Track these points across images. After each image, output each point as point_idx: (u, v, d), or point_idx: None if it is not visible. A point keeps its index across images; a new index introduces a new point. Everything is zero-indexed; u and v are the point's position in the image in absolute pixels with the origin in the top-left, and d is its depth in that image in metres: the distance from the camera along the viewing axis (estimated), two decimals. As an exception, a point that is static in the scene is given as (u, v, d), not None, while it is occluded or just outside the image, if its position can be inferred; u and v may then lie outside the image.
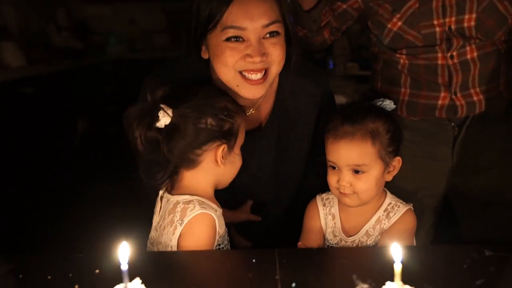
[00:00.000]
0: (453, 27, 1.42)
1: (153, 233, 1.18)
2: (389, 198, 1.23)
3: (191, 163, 1.12)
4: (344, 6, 1.52)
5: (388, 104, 1.22)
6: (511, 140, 1.57)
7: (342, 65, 2.62)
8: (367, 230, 1.20)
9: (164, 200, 1.16)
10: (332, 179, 1.18)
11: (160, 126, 1.08)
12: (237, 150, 1.17)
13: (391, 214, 1.19)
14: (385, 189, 1.24)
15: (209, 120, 1.10)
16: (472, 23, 1.41)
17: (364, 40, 3.21)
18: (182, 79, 1.20)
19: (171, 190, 1.17)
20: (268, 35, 1.15)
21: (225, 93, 1.19)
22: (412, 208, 1.22)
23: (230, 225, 1.42)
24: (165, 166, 1.13)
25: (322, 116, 1.35)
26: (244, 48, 1.14)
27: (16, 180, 2.97)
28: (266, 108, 1.34)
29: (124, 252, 0.76)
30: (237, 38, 1.13)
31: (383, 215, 1.20)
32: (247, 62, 1.14)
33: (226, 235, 1.18)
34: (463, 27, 1.41)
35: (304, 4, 1.42)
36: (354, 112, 1.18)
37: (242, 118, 1.17)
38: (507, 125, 1.57)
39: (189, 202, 1.10)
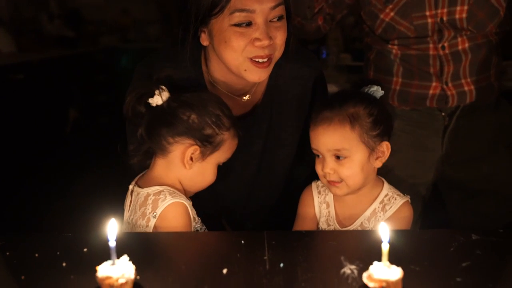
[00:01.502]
0: (444, 18, 1.42)
1: (124, 227, 1.18)
2: (386, 189, 1.20)
3: (161, 149, 1.14)
4: None
5: (376, 90, 1.21)
6: (500, 130, 1.59)
7: (335, 55, 2.62)
8: (361, 222, 1.18)
9: (134, 193, 1.16)
10: (318, 167, 1.17)
11: (151, 103, 1.12)
12: (210, 163, 1.16)
13: (387, 207, 1.17)
14: (383, 179, 1.22)
15: (193, 116, 1.11)
16: (464, 15, 1.41)
17: (357, 33, 3.22)
18: (174, 68, 1.21)
19: (141, 184, 1.17)
20: (274, 18, 1.14)
21: (226, 108, 1.18)
22: (409, 200, 1.20)
23: (221, 217, 1.42)
24: (141, 142, 1.16)
25: (315, 100, 1.35)
26: (252, 31, 1.13)
27: (4, 166, 2.95)
28: (259, 93, 1.34)
29: (112, 228, 0.76)
30: (245, 22, 1.12)
31: (379, 207, 1.18)
32: (256, 46, 1.13)
33: (201, 223, 1.18)
34: (455, 19, 1.42)
35: None
36: (334, 98, 1.18)
37: (232, 137, 1.17)
38: (497, 115, 1.58)
39: (159, 192, 1.11)
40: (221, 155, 1.16)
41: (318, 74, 1.38)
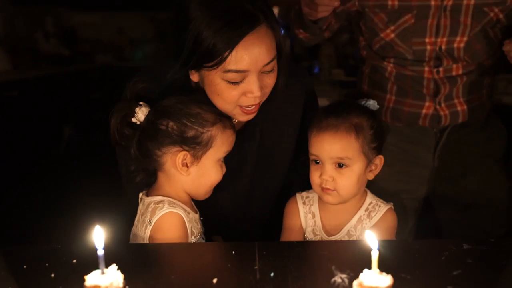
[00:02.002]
0: (443, 47, 1.44)
1: (132, 234, 1.19)
2: (370, 198, 1.23)
3: (155, 163, 1.14)
4: (342, 7, 1.52)
5: (372, 104, 1.23)
6: (490, 145, 1.60)
7: (327, 70, 2.64)
8: (348, 230, 1.19)
9: (141, 202, 1.17)
10: (314, 174, 1.17)
11: (136, 122, 1.12)
12: (208, 162, 1.14)
13: (372, 214, 1.19)
14: (366, 188, 1.24)
15: (170, 123, 1.10)
16: (462, 45, 1.44)
17: (350, 50, 3.26)
18: (166, 84, 1.19)
19: (148, 193, 1.18)
20: (266, 71, 1.14)
21: (208, 102, 1.17)
22: (393, 207, 1.22)
23: (212, 234, 1.42)
24: (136, 162, 1.16)
25: (306, 115, 1.36)
26: (245, 85, 1.12)
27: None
28: None
29: (98, 236, 0.76)
30: (238, 81, 1.11)
31: (364, 214, 1.19)
32: (248, 97, 1.13)
33: (201, 238, 1.17)
34: (453, 48, 1.44)
35: (312, 15, 1.40)
36: (339, 106, 1.19)
37: (222, 131, 1.14)
38: (486, 131, 1.60)
39: (159, 202, 1.11)
40: (217, 151, 1.14)
41: (309, 90, 1.38)
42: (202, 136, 1.11)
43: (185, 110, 1.11)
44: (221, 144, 1.14)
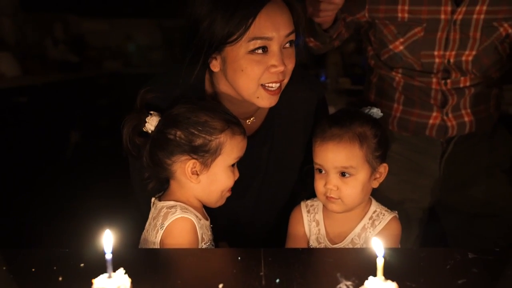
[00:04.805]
0: (451, 60, 1.45)
1: (142, 239, 1.20)
2: (374, 206, 1.23)
3: (166, 172, 1.15)
4: (352, 17, 1.54)
5: (376, 112, 1.23)
6: (496, 155, 1.61)
7: (334, 79, 2.65)
8: (352, 238, 1.19)
9: (154, 206, 1.18)
10: (319, 183, 1.18)
11: (147, 131, 1.14)
12: (218, 169, 1.14)
13: (376, 222, 1.19)
14: (371, 197, 1.24)
15: (178, 133, 1.11)
16: (470, 58, 1.45)
17: (357, 59, 3.27)
18: (177, 91, 1.21)
19: (161, 197, 1.19)
20: (287, 45, 1.16)
21: (218, 108, 1.17)
22: (397, 215, 1.22)
23: (219, 241, 1.42)
24: (147, 170, 1.17)
25: (316, 123, 1.36)
26: (268, 59, 1.14)
27: (7, 185, 2.96)
28: (262, 116, 1.35)
29: (107, 240, 0.77)
30: (261, 49, 1.13)
31: (368, 223, 1.19)
32: (272, 73, 1.15)
33: (211, 245, 1.18)
34: (461, 61, 1.45)
35: (322, 24, 1.43)
36: (342, 115, 1.20)
37: (231, 137, 1.14)
38: (492, 141, 1.60)
39: (171, 207, 1.12)
40: (227, 157, 1.14)
41: (320, 99, 1.39)
42: (210, 144, 1.11)
43: (192, 118, 1.11)
44: (230, 150, 1.14)
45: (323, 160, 1.16)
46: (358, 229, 1.19)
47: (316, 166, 1.19)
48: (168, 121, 1.13)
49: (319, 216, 1.24)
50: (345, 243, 1.19)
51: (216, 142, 1.12)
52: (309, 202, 1.28)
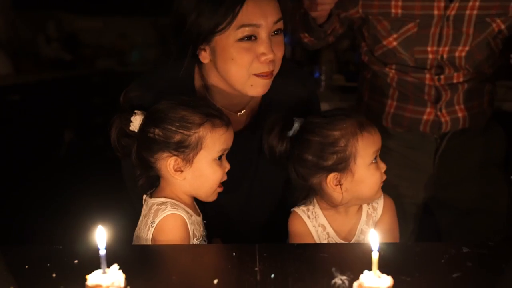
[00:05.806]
0: (445, 56, 1.46)
1: (135, 236, 1.19)
2: None
3: (152, 169, 1.15)
4: (345, 13, 1.54)
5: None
6: (490, 151, 1.61)
7: (328, 76, 2.65)
8: (362, 228, 1.19)
9: (145, 203, 1.17)
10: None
11: (133, 129, 1.13)
12: (202, 163, 1.12)
13: (375, 205, 1.21)
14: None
15: (156, 130, 1.10)
16: (463, 54, 1.45)
17: (351, 56, 3.27)
18: (162, 89, 1.20)
19: (152, 194, 1.18)
20: (275, 33, 1.16)
21: (199, 103, 1.15)
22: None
23: (212, 237, 1.42)
24: (139, 169, 1.17)
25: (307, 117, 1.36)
26: (257, 46, 1.14)
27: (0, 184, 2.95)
28: (253, 109, 1.35)
29: (101, 235, 0.76)
30: (250, 37, 1.13)
31: (370, 208, 1.21)
32: (262, 62, 1.15)
33: (204, 241, 1.18)
34: (454, 56, 1.46)
35: (317, 19, 1.43)
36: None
37: (211, 130, 1.11)
38: (486, 136, 1.61)
39: (162, 204, 1.11)
40: (210, 151, 1.11)
41: (312, 93, 1.39)
42: (189, 139, 1.09)
43: (169, 115, 1.10)
44: (212, 144, 1.11)
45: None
46: (364, 216, 1.20)
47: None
48: (148, 120, 1.12)
49: (322, 220, 1.20)
50: (357, 236, 1.19)
51: (195, 137, 1.10)
52: (303, 208, 1.22)
